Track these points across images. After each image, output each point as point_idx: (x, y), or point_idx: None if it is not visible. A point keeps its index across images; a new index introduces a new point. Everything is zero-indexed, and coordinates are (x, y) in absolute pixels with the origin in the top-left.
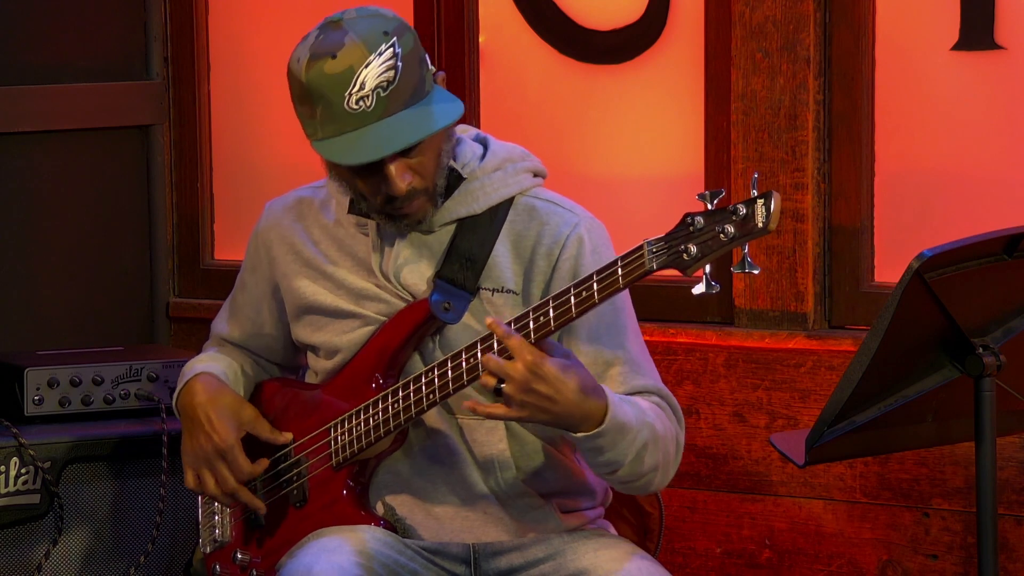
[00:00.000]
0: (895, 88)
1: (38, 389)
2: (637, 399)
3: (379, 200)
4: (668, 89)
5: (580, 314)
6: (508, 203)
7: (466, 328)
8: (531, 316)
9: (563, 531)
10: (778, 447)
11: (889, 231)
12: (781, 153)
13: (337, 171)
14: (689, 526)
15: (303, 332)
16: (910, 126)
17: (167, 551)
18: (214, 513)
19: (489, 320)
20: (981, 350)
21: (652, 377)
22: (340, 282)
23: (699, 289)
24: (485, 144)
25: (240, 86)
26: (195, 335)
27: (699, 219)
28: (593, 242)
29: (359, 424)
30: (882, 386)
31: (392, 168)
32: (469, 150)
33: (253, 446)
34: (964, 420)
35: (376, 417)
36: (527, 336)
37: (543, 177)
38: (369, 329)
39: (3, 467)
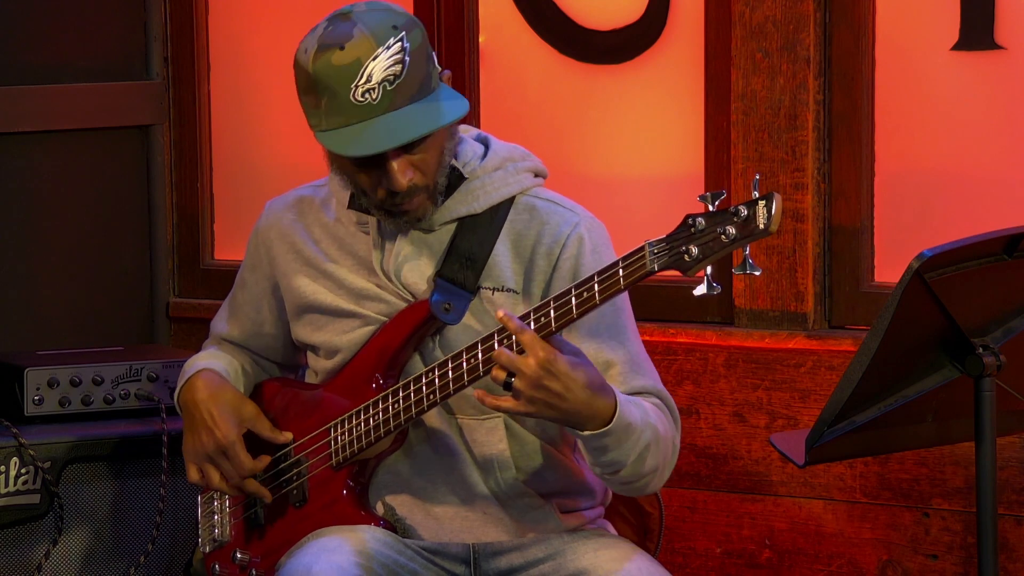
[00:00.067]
0: (895, 88)
1: (38, 389)
2: (640, 400)
3: (379, 195)
4: (668, 89)
5: (581, 315)
6: (509, 202)
7: (466, 328)
8: (532, 316)
9: (563, 531)
10: (778, 447)
11: (889, 231)
12: (781, 153)
13: (339, 163)
14: (689, 526)
15: (303, 331)
16: (910, 126)
17: (167, 551)
18: (213, 513)
19: (501, 313)
20: (981, 350)
21: (651, 378)
22: (340, 281)
23: (701, 290)
24: (486, 144)
25: (240, 86)
26: (195, 335)
27: (700, 220)
28: (593, 242)
29: (359, 424)
30: (882, 386)
31: (394, 163)
32: (470, 149)
33: (253, 445)
34: (964, 420)
35: (376, 417)
36: None
37: (544, 177)
38: (369, 329)
39: (3, 467)
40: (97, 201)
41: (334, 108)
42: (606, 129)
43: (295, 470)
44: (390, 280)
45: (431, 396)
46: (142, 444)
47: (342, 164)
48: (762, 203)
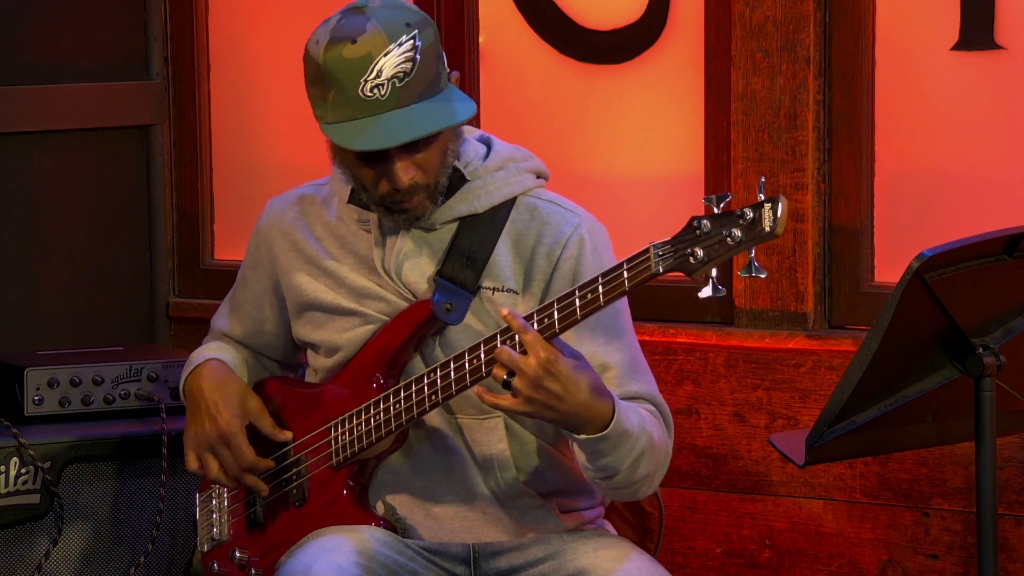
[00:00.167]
0: (895, 88)
1: (38, 389)
2: (637, 406)
3: (380, 191)
4: (668, 89)
5: (585, 316)
6: (510, 203)
7: (467, 328)
8: (536, 318)
9: (563, 531)
10: (778, 447)
11: (889, 231)
12: (781, 153)
13: (341, 157)
14: (689, 526)
15: (303, 329)
16: (910, 126)
17: (167, 551)
18: (212, 512)
19: (505, 311)
20: (981, 350)
21: (647, 383)
22: (341, 280)
23: (706, 293)
24: (489, 144)
25: (240, 86)
26: (195, 335)
27: (706, 223)
28: (594, 243)
29: (360, 424)
30: (882, 386)
31: (398, 160)
32: (473, 149)
33: (253, 442)
34: (964, 420)
35: (377, 417)
36: None
37: (545, 179)
38: (370, 327)
39: (3, 467)
40: (97, 201)
41: (342, 101)
42: (606, 129)
43: (295, 469)
44: (391, 278)
45: (433, 396)
46: (142, 444)
47: (345, 158)
48: (768, 206)
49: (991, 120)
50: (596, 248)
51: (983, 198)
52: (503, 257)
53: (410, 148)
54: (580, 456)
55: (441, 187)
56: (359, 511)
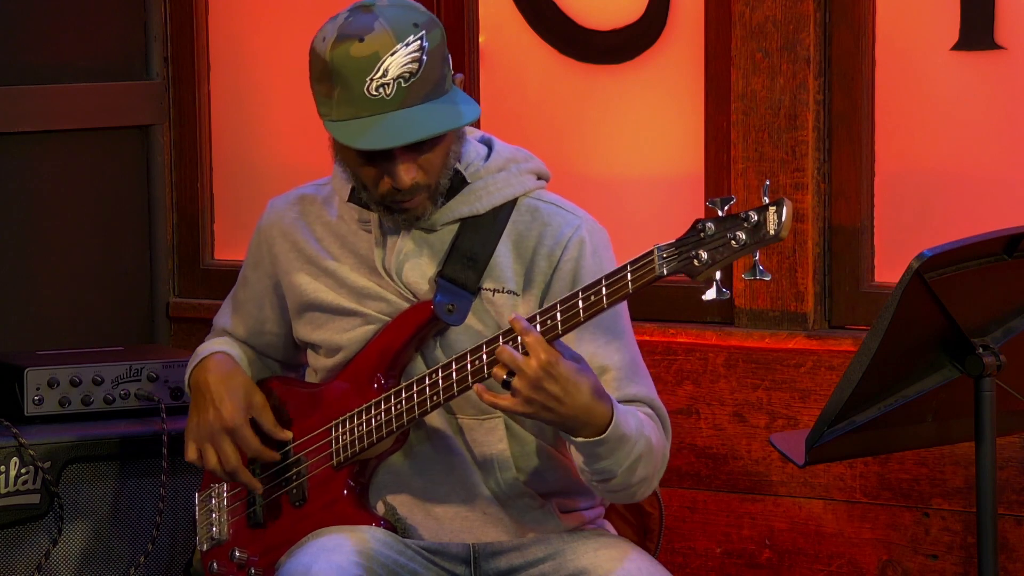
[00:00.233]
0: (895, 88)
1: (38, 389)
2: (635, 409)
3: (380, 190)
4: (668, 89)
5: (588, 318)
6: (511, 204)
7: (468, 329)
8: (539, 319)
9: (563, 531)
10: (778, 447)
11: (889, 231)
12: (781, 153)
13: (343, 155)
14: (689, 526)
15: (304, 330)
16: (910, 126)
17: (167, 551)
18: (211, 511)
19: (512, 317)
20: (981, 350)
21: (645, 386)
22: (342, 280)
23: (710, 295)
24: (490, 145)
25: (240, 86)
26: (195, 335)
27: (710, 225)
28: (594, 245)
29: (361, 424)
30: (882, 386)
31: (400, 160)
32: (474, 150)
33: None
34: (964, 420)
35: (379, 417)
36: None
37: (546, 179)
38: (370, 328)
39: (3, 467)
40: (97, 201)
41: (346, 99)
42: (606, 129)
43: (295, 469)
44: (391, 279)
45: (434, 397)
46: (142, 444)
47: (347, 156)
48: (772, 209)
49: (991, 120)
50: (597, 250)
51: (983, 198)
52: (504, 258)
53: (413, 148)
54: (577, 458)
55: (442, 188)
56: (359, 511)
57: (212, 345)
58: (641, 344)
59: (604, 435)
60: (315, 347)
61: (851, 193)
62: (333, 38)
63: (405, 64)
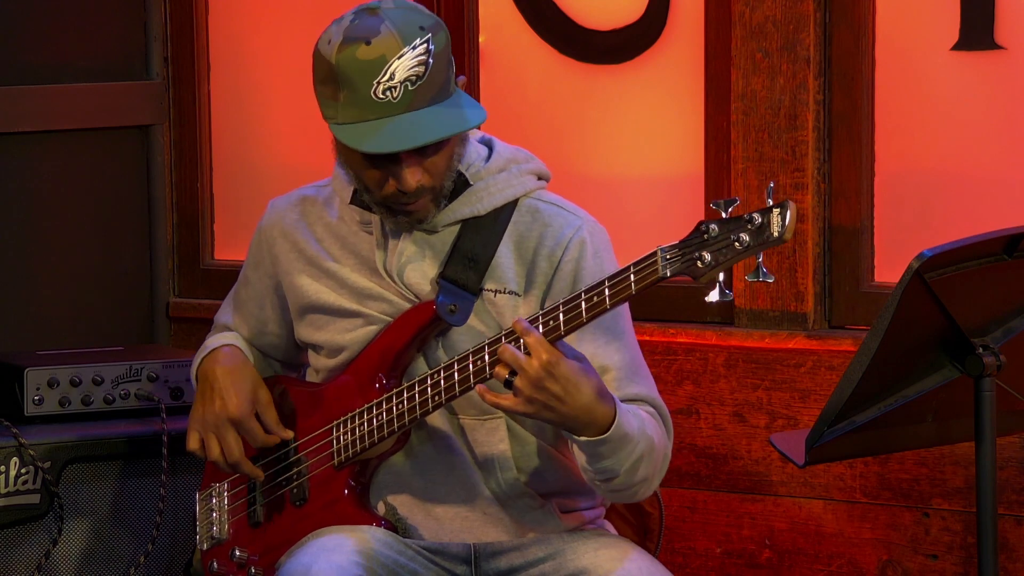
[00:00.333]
0: (895, 88)
1: (38, 389)
2: (637, 408)
3: (384, 193)
4: (668, 89)
5: (591, 319)
6: (512, 205)
7: (469, 329)
8: (541, 320)
9: (563, 531)
10: (778, 447)
11: (889, 231)
12: (781, 153)
13: (347, 157)
14: (689, 526)
15: (305, 331)
16: (910, 126)
17: (167, 551)
18: (212, 510)
19: (516, 320)
20: (981, 350)
21: (646, 385)
22: (343, 281)
23: (713, 297)
24: (490, 146)
25: (240, 86)
26: (195, 335)
27: (713, 227)
28: (595, 245)
29: (362, 424)
30: (882, 386)
31: (406, 163)
32: (474, 151)
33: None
34: (964, 420)
35: (380, 418)
36: None
37: (547, 180)
38: (372, 328)
39: (3, 467)
40: (97, 201)
41: (352, 102)
42: (606, 129)
43: (296, 469)
44: (392, 280)
45: (436, 397)
46: (142, 444)
47: (351, 158)
48: (776, 211)
49: (991, 120)
50: (598, 251)
51: (983, 198)
52: (505, 259)
53: (419, 152)
54: (580, 458)
55: (446, 191)
56: (360, 511)
57: (222, 338)
58: (641, 344)
59: (606, 435)
60: (317, 348)
61: (851, 193)
62: (339, 41)
63: (412, 67)
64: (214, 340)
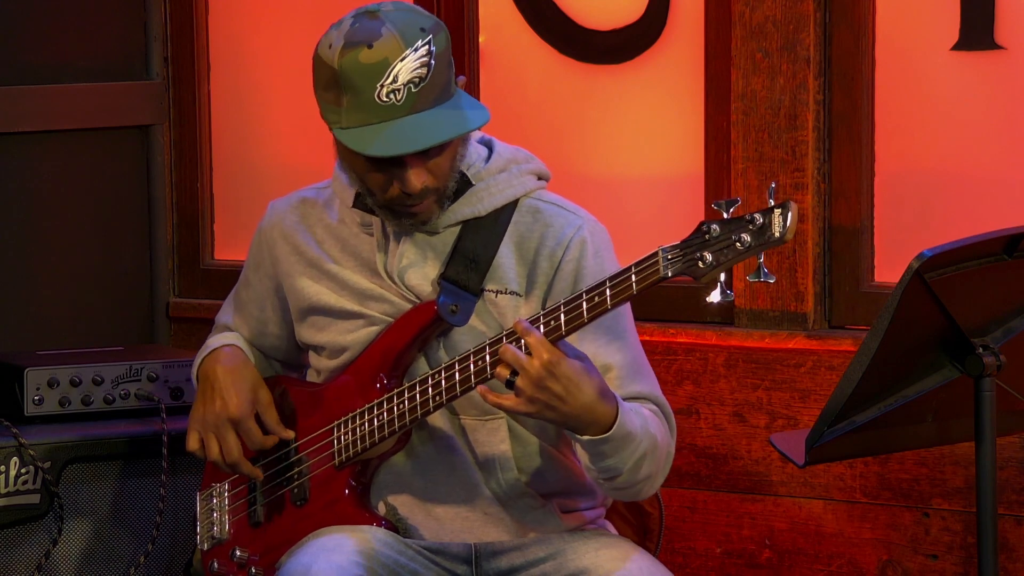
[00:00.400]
0: (895, 88)
1: (38, 389)
2: (640, 407)
3: (388, 195)
4: (668, 89)
5: (592, 319)
6: (512, 205)
7: (471, 330)
8: (542, 320)
9: (564, 531)
10: (778, 447)
11: (889, 231)
12: (781, 153)
13: (349, 161)
14: (689, 526)
15: (306, 333)
16: (910, 126)
17: (167, 551)
18: (212, 510)
19: (516, 320)
20: (981, 350)
21: (649, 384)
22: (344, 282)
23: (714, 297)
24: (490, 147)
25: (240, 86)
26: (195, 335)
27: (715, 227)
28: (596, 245)
29: (363, 424)
30: (882, 386)
31: (411, 165)
32: (474, 152)
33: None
34: (964, 420)
35: (381, 418)
36: None
37: (547, 180)
38: (374, 329)
39: (3, 467)
40: (97, 201)
41: (356, 106)
42: (606, 129)
43: (296, 469)
44: (393, 282)
45: (437, 398)
46: (142, 444)
47: (354, 162)
48: (778, 211)
49: (991, 120)
50: (598, 251)
51: (983, 198)
52: (506, 259)
53: (423, 153)
54: (583, 456)
55: (450, 191)
56: (360, 511)
57: (223, 338)
58: (641, 344)
59: (609, 433)
60: (318, 349)
61: (851, 193)
62: (340, 45)
63: (415, 69)
64: (215, 340)
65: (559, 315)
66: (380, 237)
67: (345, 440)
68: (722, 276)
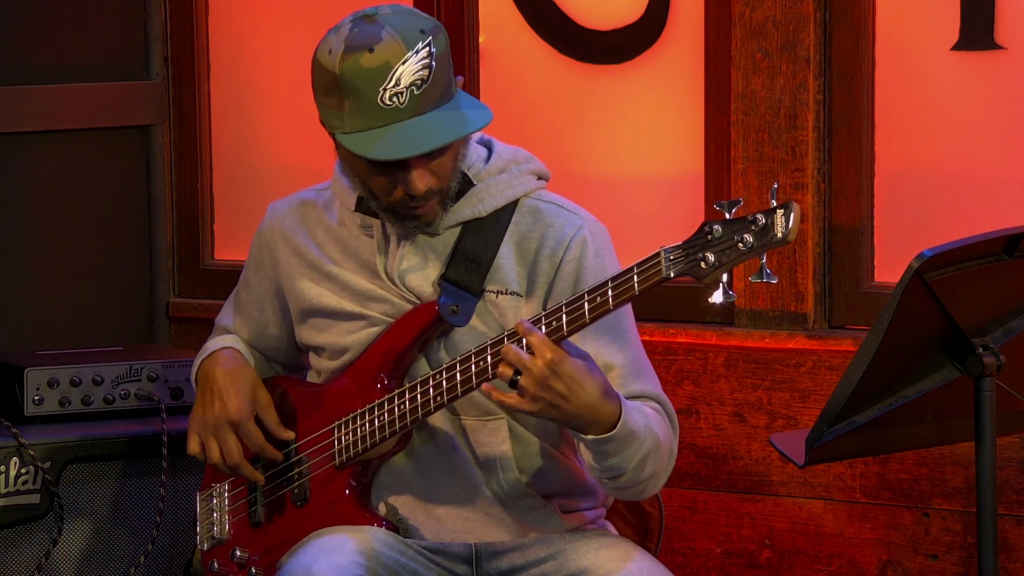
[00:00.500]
0: (895, 88)
1: (38, 389)
2: (642, 405)
3: (393, 198)
4: (668, 89)
5: (594, 319)
6: (512, 205)
7: (472, 330)
8: (544, 320)
9: (564, 531)
10: (778, 447)
11: (889, 231)
12: (781, 153)
13: (352, 165)
14: (689, 526)
15: (307, 334)
16: (910, 126)
17: (167, 551)
18: (212, 511)
19: (518, 321)
20: (981, 350)
21: (651, 382)
22: (344, 283)
23: (717, 298)
24: (489, 147)
25: (240, 86)
26: (195, 335)
27: (717, 227)
28: (596, 245)
29: (364, 424)
30: (882, 386)
31: (415, 167)
32: (474, 152)
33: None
34: (964, 420)
35: (382, 418)
36: None
37: (546, 180)
38: (375, 329)
39: (3, 467)
40: (97, 201)
41: (359, 110)
42: (606, 129)
43: (297, 469)
44: (394, 283)
45: (438, 398)
46: (142, 444)
47: (357, 166)
48: (780, 212)
49: (991, 120)
50: (599, 251)
51: (983, 198)
52: (507, 260)
53: (426, 155)
54: (587, 456)
55: (452, 192)
56: (361, 511)
57: (222, 340)
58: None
59: (612, 432)
60: (319, 350)
61: (851, 193)
62: (341, 50)
63: (416, 72)
64: (214, 343)
65: (561, 315)
66: (380, 239)
67: (346, 440)
68: (724, 277)
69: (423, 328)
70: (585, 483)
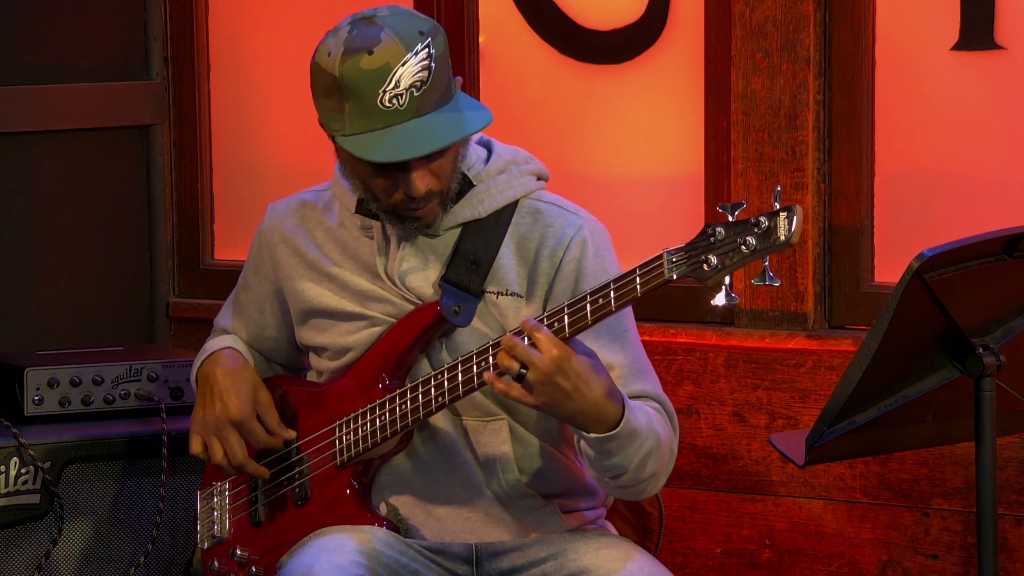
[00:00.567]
0: (895, 88)
1: (38, 389)
2: (644, 405)
3: (393, 200)
4: (668, 89)
5: (595, 321)
6: (512, 206)
7: (473, 331)
8: (546, 322)
9: (564, 531)
10: (778, 447)
11: (889, 231)
12: (781, 153)
13: (352, 167)
14: (689, 526)
15: (307, 335)
16: (910, 126)
17: (167, 551)
18: (213, 509)
19: (524, 319)
20: (981, 350)
21: (652, 382)
22: (345, 284)
23: (719, 300)
24: (489, 148)
25: (240, 86)
26: (195, 335)
27: (720, 230)
28: (596, 245)
29: (365, 424)
30: (882, 386)
31: (415, 169)
32: (474, 153)
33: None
34: (964, 420)
35: (383, 418)
36: None
37: (546, 180)
38: (376, 330)
39: (3, 467)
40: (97, 201)
41: (359, 112)
42: (606, 129)
43: (298, 468)
44: (395, 285)
45: (439, 398)
46: (142, 444)
47: (357, 168)
48: (783, 215)
49: (991, 120)
50: (599, 251)
51: (983, 198)
52: (507, 260)
53: (426, 157)
54: (588, 454)
55: (452, 193)
56: (361, 511)
57: (221, 340)
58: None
59: (615, 431)
60: (320, 350)
61: (851, 193)
62: (340, 52)
63: (416, 73)
64: (213, 343)
65: (563, 317)
66: (380, 240)
67: (347, 440)
68: (727, 279)
69: (425, 328)
70: (585, 483)
